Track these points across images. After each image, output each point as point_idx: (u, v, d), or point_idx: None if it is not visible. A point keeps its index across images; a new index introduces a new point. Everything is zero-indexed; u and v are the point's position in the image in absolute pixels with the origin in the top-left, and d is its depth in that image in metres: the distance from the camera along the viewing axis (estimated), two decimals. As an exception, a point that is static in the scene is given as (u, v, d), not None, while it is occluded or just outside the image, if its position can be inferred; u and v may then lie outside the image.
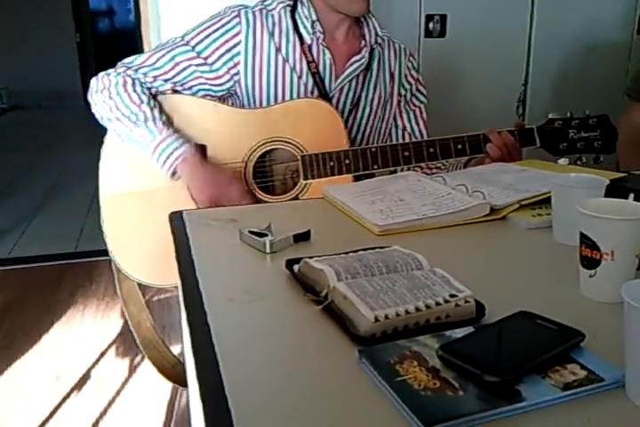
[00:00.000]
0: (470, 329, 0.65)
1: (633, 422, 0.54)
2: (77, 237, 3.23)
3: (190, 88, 1.37)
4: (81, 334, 2.26)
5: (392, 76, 1.48)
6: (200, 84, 1.36)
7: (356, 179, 1.32)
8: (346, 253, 0.81)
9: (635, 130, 1.75)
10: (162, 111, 1.33)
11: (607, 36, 2.49)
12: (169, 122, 1.33)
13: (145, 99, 1.31)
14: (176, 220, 1.07)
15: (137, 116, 1.29)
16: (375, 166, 1.32)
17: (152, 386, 1.91)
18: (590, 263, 0.73)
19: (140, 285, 1.49)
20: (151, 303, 2.29)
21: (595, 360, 0.59)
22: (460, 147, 1.33)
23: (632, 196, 0.74)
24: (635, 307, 0.53)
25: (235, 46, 1.35)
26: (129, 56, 1.39)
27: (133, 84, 1.32)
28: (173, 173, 1.29)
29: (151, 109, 1.30)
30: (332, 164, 1.31)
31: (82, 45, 7.42)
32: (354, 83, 1.42)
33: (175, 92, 1.37)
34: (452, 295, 0.68)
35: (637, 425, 0.53)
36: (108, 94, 1.32)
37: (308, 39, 1.37)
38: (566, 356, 0.60)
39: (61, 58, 7.08)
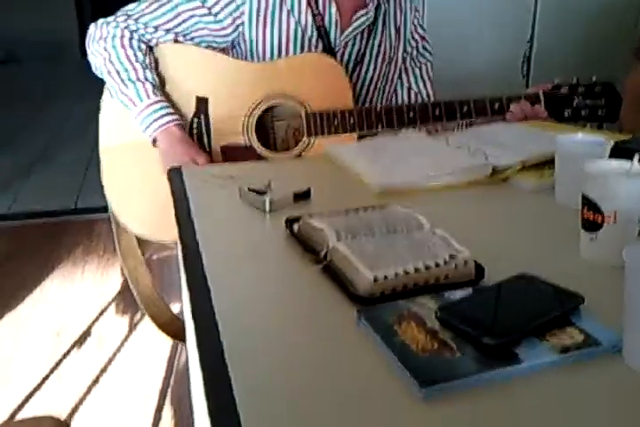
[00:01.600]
0: (469, 291, 0.65)
1: (629, 386, 0.54)
2: (77, 192, 3.22)
3: (192, 39, 1.33)
4: (81, 290, 2.28)
5: (398, 31, 1.44)
6: (203, 35, 1.33)
7: (360, 138, 1.30)
8: (346, 211, 0.81)
9: (639, 91, 1.72)
10: (156, 72, 1.30)
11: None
12: (162, 81, 1.30)
13: (140, 56, 1.28)
14: (175, 176, 1.06)
15: (128, 73, 1.27)
16: (380, 126, 1.31)
17: (152, 343, 1.94)
18: (592, 226, 0.72)
19: (139, 242, 1.49)
20: (151, 262, 2.29)
21: (593, 324, 0.59)
22: (465, 109, 1.32)
23: (637, 157, 0.72)
24: (636, 269, 0.52)
25: None
26: (126, 5, 1.34)
27: (131, 39, 1.29)
28: (154, 141, 1.28)
29: (144, 69, 1.28)
30: (336, 122, 1.30)
31: (79, 1, 7.22)
32: (359, 38, 1.39)
33: (177, 42, 1.33)
34: (451, 256, 0.68)
35: (634, 389, 0.54)
36: (104, 45, 1.30)
37: None
38: (565, 319, 0.60)
39: (58, 8, 6.91)
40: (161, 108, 1.26)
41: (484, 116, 1.33)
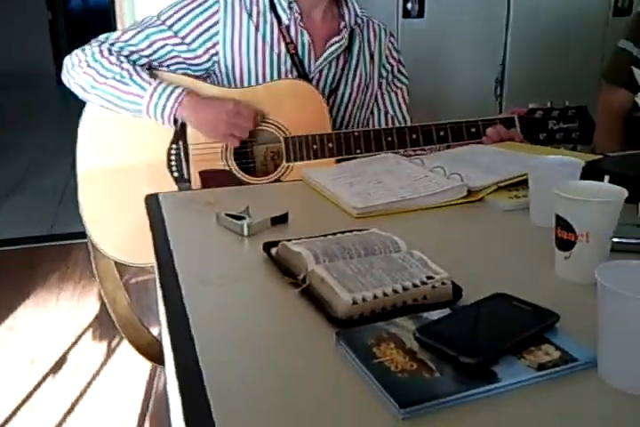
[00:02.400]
0: (447, 311, 0.65)
1: (605, 402, 0.55)
2: (52, 219, 3.19)
3: (168, 66, 1.34)
4: (56, 317, 2.24)
5: (372, 57, 1.47)
6: (177, 62, 1.34)
7: (339, 162, 1.31)
8: (324, 235, 0.81)
9: (610, 113, 1.77)
10: (143, 66, 1.31)
11: (584, 17, 2.49)
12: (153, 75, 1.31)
13: (124, 59, 1.30)
14: (152, 203, 1.05)
15: (121, 74, 1.27)
16: (358, 151, 1.32)
17: (129, 368, 1.91)
18: (565, 245, 0.74)
19: (117, 265, 1.48)
20: (129, 285, 2.27)
21: (568, 341, 0.60)
22: (442, 134, 1.34)
23: (607, 178, 0.74)
24: (608, 288, 0.53)
25: (213, 26, 1.32)
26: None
27: (110, 51, 1.30)
28: (175, 121, 1.28)
29: (133, 66, 1.29)
30: (315, 147, 1.31)
31: (54, 24, 7.23)
32: (334, 64, 1.41)
33: (151, 68, 1.34)
34: (429, 277, 0.69)
35: (609, 404, 0.55)
36: (86, 64, 1.30)
37: (285, 20, 1.35)
38: (541, 337, 0.61)
39: (33, 37, 6.90)
40: (166, 87, 1.26)
41: (461, 140, 1.35)
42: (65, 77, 1.34)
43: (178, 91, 1.27)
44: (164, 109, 1.26)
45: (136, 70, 1.28)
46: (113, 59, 1.29)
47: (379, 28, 1.48)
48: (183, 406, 0.53)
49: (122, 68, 1.28)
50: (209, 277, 0.77)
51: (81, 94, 1.33)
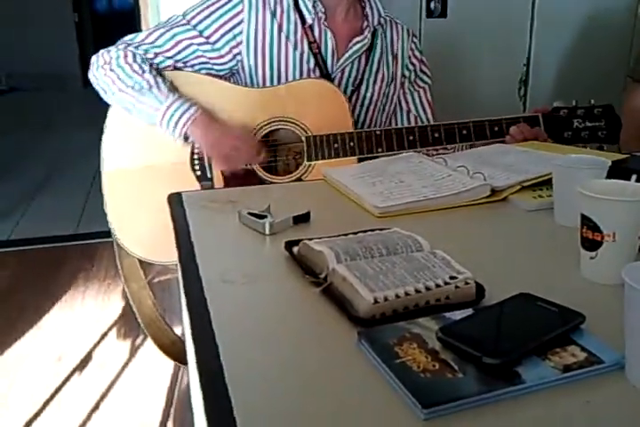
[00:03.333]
0: (470, 311, 0.64)
1: (633, 404, 0.54)
2: (78, 218, 3.23)
3: (192, 66, 1.35)
4: (82, 315, 2.27)
5: (395, 57, 1.46)
6: (202, 62, 1.35)
7: (360, 161, 1.31)
8: (345, 234, 0.81)
9: (636, 112, 1.74)
10: (164, 78, 1.31)
11: (611, 16, 2.45)
12: (173, 88, 1.31)
13: (146, 68, 1.30)
14: (175, 202, 1.06)
15: (140, 84, 1.28)
16: (379, 150, 1.31)
17: (153, 367, 1.92)
18: (591, 245, 0.73)
19: (141, 264, 1.50)
20: (152, 285, 2.29)
21: (595, 342, 0.59)
22: (464, 132, 1.33)
23: (634, 177, 0.73)
24: (636, 289, 0.52)
25: (237, 25, 1.33)
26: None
27: (134, 57, 1.31)
28: (185, 138, 1.29)
29: (154, 77, 1.29)
30: (336, 146, 1.31)
31: (80, 26, 7.34)
32: (356, 64, 1.41)
33: (176, 69, 1.35)
34: (452, 277, 0.68)
35: (637, 407, 0.53)
36: (109, 68, 1.31)
37: (309, 19, 1.35)
38: (566, 338, 0.60)
39: (59, 38, 7.01)
40: (182, 104, 1.27)
41: (484, 139, 1.34)
42: (90, 77, 1.36)
43: (192, 109, 1.27)
44: (176, 125, 1.27)
45: (156, 82, 1.28)
46: (136, 66, 1.30)
47: (401, 28, 1.48)
48: (205, 402, 0.53)
49: (143, 78, 1.28)
50: (231, 275, 0.77)
51: (102, 96, 1.35)
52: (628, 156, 1.10)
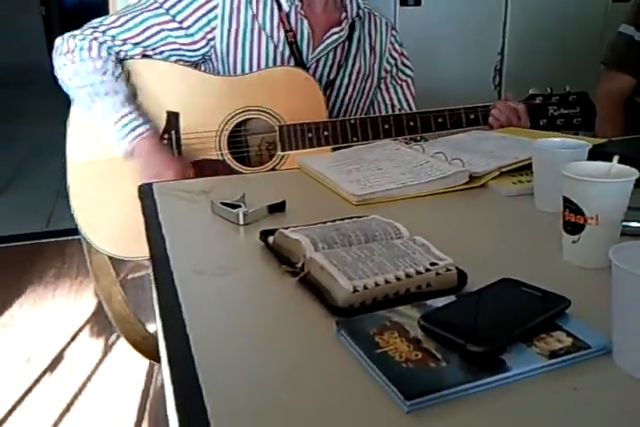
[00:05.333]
0: (452, 298, 0.62)
1: (620, 390, 0.52)
2: (48, 215, 3.15)
3: (162, 53, 1.31)
4: (53, 314, 2.21)
5: (373, 49, 1.44)
6: (173, 49, 1.31)
7: (335, 150, 1.28)
8: (323, 223, 0.78)
9: (611, 98, 1.74)
10: (127, 82, 1.27)
11: (584, 4, 2.46)
12: (133, 95, 1.27)
13: (110, 67, 1.25)
14: (145, 192, 1.02)
15: (98, 86, 1.24)
16: (355, 139, 1.29)
17: (127, 367, 1.88)
18: (574, 228, 0.71)
19: (112, 261, 1.46)
20: (125, 282, 2.25)
21: (581, 327, 0.57)
22: (440, 120, 1.32)
23: (616, 158, 0.71)
24: (624, 270, 0.51)
25: (212, 10, 1.29)
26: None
27: (99, 50, 1.26)
28: (128, 153, 1.24)
29: (115, 81, 1.25)
30: (310, 135, 1.28)
31: (48, 19, 7.17)
32: (331, 55, 1.38)
33: (145, 56, 1.31)
34: (432, 264, 0.66)
35: (625, 392, 0.52)
36: (71, 58, 1.26)
37: (286, 7, 1.32)
38: (552, 323, 0.58)
39: (27, 32, 6.85)
40: (134, 119, 1.23)
41: (459, 126, 1.32)
42: (54, 60, 1.31)
43: (141, 129, 1.23)
44: (122, 139, 1.23)
45: (114, 87, 1.24)
46: (98, 63, 1.25)
47: (380, 21, 1.45)
48: (175, 396, 0.50)
49: (102, 80, 1.24)
50: (204, 267, 0.74)
51: (61, 84, 1.30)
52: (606, 140, 1.09)
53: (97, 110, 1.25)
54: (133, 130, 1.22)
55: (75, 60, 1.26)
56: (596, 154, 0.85)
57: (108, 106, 1.23)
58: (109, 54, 1.27)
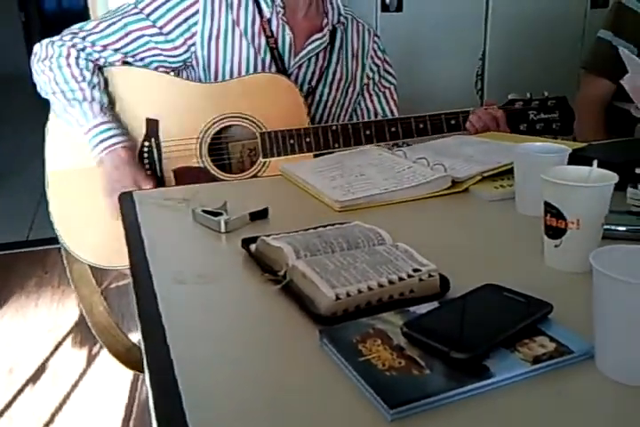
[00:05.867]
0: (435, 304, 0.62)
1: (603, 394, 0.52)
2: (29, 225, 3.11)
3: (142, 59, 1.30)
4: (35, 324, 2.18)
5: (355, 56, 1.44)
6: (154, 55, 1.30)
7: (317, 156, 1.28)
8: (305, 230, 0.78)
9: (591, 103, 1.75)
10: (104, 91, 1.26)
11: (563, 10, 2.49)
12: (112, 103, 1.26)
13: (87, 75, 1.24)
14: (126, 201, 1.01)
15: (74, 93, 1.23)
16: (336, 145, 1.29)
17: (111, 377, 1.85)
18: (555, 233, 0.71)
19: (94, 270, 1.43)
20: (109, 291, 2.22)
21: (563, 332, 0.57)
22: (421, 126, 1.32)
23: (596, 162, 0.72)
24: (604, 274, 0.51)
25: (192, 16, 1.28)
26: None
27: (77, 58, 1.25)
28: (100, 162, 1.23)
29: (91, 89, 1.24)
30: (292, 141, 1.27)
31: (27, 25, 7.11)
32: (313, 61, 1.37)
33: (125, 63, 1.29)
34: (415, 270, 0.66)
35: (608, 396, 0.52)
36: (49, 65, 1.25)
37: (267, 13, 1.31)
38: (534, 328, 0.58)
39: (6, 38, 6.78)
40: (108, 130, 1.22)
41: (441, 132, 1.33)
42: (32, 66, 1.30)
43: (114, 140, 1.22)
44: (94, 148, 1.23)
45: (92, 96, 1.23)
46: (76, 70, 1.24)
47: (362, 27, 1.45)
48: (155, 405, 0.49)
49: (78, 87, 1.23)
50: (185, 275, 0.73)
51: (39, 90, 1.29)
52: (586, 144, 1.10)
53: (71, 117, 1.24)
54: (104, 141, 1.22)
55: (52, 67, 1.25)
56: (575, 158, 0.85)
57: (82, 113, 1.22)
58: (88, 61, 1.26)
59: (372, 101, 1.48)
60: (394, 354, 0.54)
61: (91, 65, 1.26)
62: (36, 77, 1.28)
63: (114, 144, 1.22)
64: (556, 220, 0.70)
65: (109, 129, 1.22)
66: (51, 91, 1.25)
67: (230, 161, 1.32)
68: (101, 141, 1.22)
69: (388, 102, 1.49)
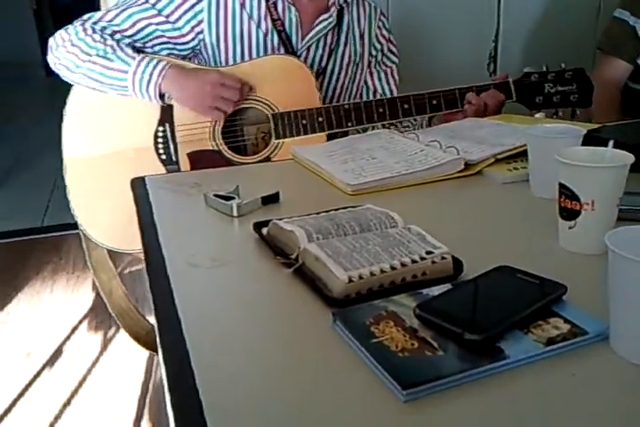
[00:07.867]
0: (448, 286, 0.62)
1: (618, 375, 0.52)
2: (44, 211, 3.14)
3: (152, 46, 1.31)
4: (51, 309, 2.21)
5: (362, 36, 1.43)
6: (163, 42, 1.30)
7: (330, 138, 1.27)
8: (317, 213, 0.78)
9: (606, 84, 1.73)
10: (128, 45, 1.28)
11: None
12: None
13: (107, 36, 1.26)
14: (138, 186, 1.02)
15: (105, 50, 1.24)
16: (349, 124, 1.28)
17: (126, 360, 1.88)
18: (570, 214, 0.70)
19: (110, 254, 1.45)
20: (123, 275, 2.24)
21: (578, 313, 0.57)
22: (435, 102, 1.30)
23: (611, 143, 0.71)
24: (619, 255, 0.50)
25: (198, 3, 1.28)
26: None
27: (93, 29, 1.27)
28: (162, 96, 1.24)
29: (117, 42, 1.26)
30: (304, 122, 1.27)
31: (39, 13, 7.11)
32: (322, 42, 1.36)
33: (135, 49, 1.30)
34: (428, 252, 0.65)
35: (622, 377, 0.52)
36: (69, 44, 1.26)
37: None
38: (548, 310, 0.57)
39: (18, 27, 6.78)
40: (150, 60, 1.23)
41: (455, 108, 1.31)
42: (50, 59, 1.30)
43: (162, 64, 1.23)
44: (148, 84, 1.22)
45: (120, 46, 1.25)
46: (97, 36, 1.25)
47: (369, 6, 1.44)
48: (170, 389, 0.50)
49: (105, 45, 1.24)
50: (197, 259, 0.73)
51: (67, 75, 1.28)
52: (600, 125, 1.08)
53: (113, 72, 1.23)
54: (153, 70, 1.22)
55: (75, 43, 1.26)
56: (590, 139, 0.84)
57: (120, 62, 1.23)
58: (104, 32, 1.27)
59: (372, 79, 1.48)
60: (407, 336, 0.54)
61: (106, 34, 1.28)
62: (60, 62, 1.28)
63: (163, 67, 1.22)
64: (570, 201, 0.70)
65: (151, 60, 1.23)
66: (82, 61, 1.25)
67: (245, 143, 1.32)
68: (152, 73, 1.22)
69: (388, 82, 1.48)
